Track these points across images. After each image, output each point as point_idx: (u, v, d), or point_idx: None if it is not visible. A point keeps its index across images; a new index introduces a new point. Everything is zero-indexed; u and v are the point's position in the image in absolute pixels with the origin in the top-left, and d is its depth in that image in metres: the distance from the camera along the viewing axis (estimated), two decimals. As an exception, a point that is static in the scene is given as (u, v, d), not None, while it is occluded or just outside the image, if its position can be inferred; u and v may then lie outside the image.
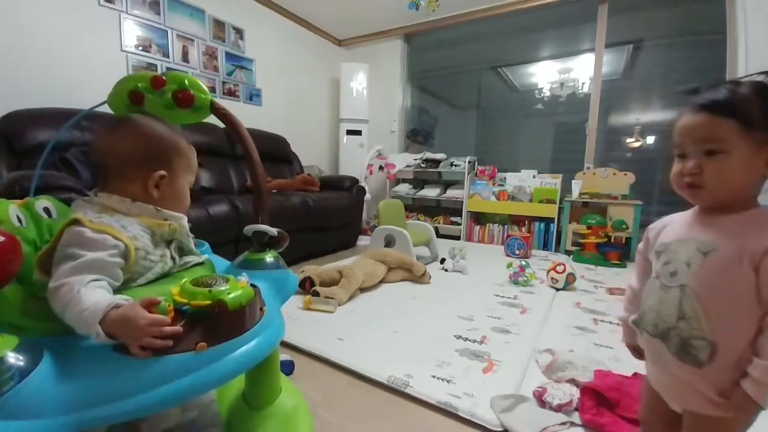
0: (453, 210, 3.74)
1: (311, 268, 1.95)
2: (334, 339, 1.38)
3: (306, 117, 3.95)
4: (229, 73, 3.14)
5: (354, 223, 3.10)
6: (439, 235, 3.68)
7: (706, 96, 0.57)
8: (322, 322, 1.54)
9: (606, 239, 2.83)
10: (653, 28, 3.61)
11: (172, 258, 0.72)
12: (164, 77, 0.77)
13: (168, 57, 2.67)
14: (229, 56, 3.13)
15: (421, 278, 2.13)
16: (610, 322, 1.64)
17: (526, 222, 3.39)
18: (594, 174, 3.17)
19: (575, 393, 1.02)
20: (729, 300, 0.54)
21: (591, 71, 3.40)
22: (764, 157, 0.55)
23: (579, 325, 1.61)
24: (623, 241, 2.84)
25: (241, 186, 2.74)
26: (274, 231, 0.84)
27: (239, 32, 3.19)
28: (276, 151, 3.23)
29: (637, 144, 4.10)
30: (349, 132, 3.84)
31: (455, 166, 3.66)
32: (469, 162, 3.61)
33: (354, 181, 3.14)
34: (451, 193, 3.72)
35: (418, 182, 4.04)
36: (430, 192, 3.84)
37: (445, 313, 1.69)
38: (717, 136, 0.55)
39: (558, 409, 0.99)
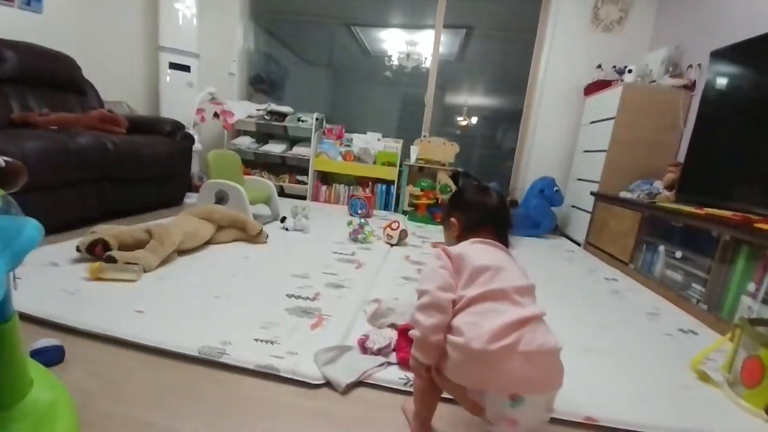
0: (299, 168, 3.58)
1: (106, 228, 1.53)
2: (130, 312, 1.11)
3: (109, 36, 3.05)
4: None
5: (178, 176, 2.61)
6: (284, 195, 3.50)
7: None
8: (117, 294, 1.22)
9: (434, 201, 3.20)
10: (481, 18, 4.11)
11: None
12: None
13: None
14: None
15: (256, 238, 1.95)
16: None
17: (370, 183, 3.52)
18: (429, 142, 3.49)
19: (393, 336, 1.08)
20: None
21: (431, 48, 3.64)
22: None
23: (405, 275, 1.75)
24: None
25: (3, 118, 1.95)
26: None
27: None
28: (59, 75, 2.39)
29: (464, 123, 4.70)
30: (173, 66, 3.16)
31: (302, 121, 3.47)
32: (317, 119, 3.47)
33: (177, 125, 2.60)
34: (298, 150, 3.53)
35: (262, 136, 3.69)
36: (275, 148, 3.56)
37: (279, 273, 1.58)
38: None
39: (378, 352, 1.03)
